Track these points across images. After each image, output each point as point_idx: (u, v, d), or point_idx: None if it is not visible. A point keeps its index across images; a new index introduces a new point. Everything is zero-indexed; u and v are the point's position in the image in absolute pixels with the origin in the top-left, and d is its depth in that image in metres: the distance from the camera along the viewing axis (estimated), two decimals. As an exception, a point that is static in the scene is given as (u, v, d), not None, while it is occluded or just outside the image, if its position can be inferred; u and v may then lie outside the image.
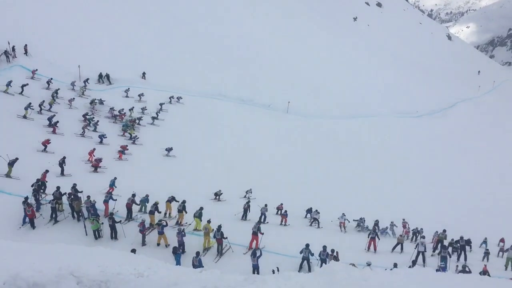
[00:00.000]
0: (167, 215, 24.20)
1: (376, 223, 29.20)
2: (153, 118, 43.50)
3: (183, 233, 19.57)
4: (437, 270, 18.57)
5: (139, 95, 47.58)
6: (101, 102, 42.36)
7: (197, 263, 16.66)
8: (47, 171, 24.69)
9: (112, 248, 15.67)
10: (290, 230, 26.95)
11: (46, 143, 30.34)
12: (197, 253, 17.25)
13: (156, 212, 22.38)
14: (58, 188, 21.95)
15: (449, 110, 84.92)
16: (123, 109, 42.39)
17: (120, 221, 19.99)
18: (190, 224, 22.97)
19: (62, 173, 27.86)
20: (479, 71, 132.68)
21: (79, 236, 19.51)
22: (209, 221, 20.43)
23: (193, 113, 49.14)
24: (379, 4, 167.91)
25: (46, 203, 22.01)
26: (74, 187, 22.44)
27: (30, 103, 34.67)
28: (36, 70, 42.17)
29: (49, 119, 34.54)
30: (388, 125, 67.19)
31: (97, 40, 53.90)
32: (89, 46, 51.69)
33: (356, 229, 29.63)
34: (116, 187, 26.37)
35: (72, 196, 21.40)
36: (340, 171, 45.68)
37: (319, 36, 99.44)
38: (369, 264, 17.75)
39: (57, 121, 34.57)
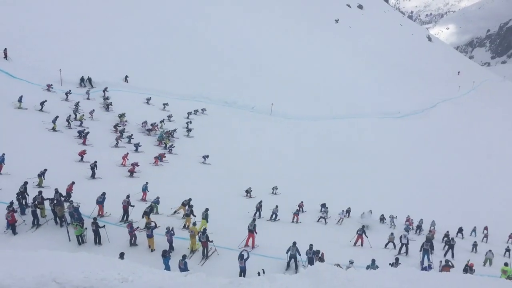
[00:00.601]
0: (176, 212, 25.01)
1: (363, 215, 33.12)
2: (188, 130, 46.59)
3: (172, 232, 19.41)
4: (423, 269, 18.84)
5: (163, 104, 50.22)
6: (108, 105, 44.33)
7: (183, 266, 16.55)
8: (73, 182, 24.56)
9: (96, 253, 15.43)
10: (293, 228, 28.18)
11: (82, 153, 31.74)
12: (183, 256, 17.12)
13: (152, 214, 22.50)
14: (40, 192, 21.58)
15: (431, 110, 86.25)
16: (155, 122, 44.44)
17: (104, 225, 19.71)
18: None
19: (93, 176, 29.20)
20: (459, 72, 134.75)
21: (62, 241, 19.17)
22: (194, 224, 20.35)
23: (214, 121, 51.78)
24: (360, 6, 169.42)
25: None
26: (57, 192, 22.07)
27: (57, 116, 35.80)
28: (51, 85, 43.17)
29: (80, 132, 35.95)
30: (371, 125, 67.94)
31: (78, 43, 53.32)
32: (70, 50, 51.13)
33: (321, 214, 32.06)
34: (148, 191, 27.55)
35: (55, 201, 21.04)
36: (325, 170, 46.34)
37: (301, 38, 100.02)
38: (351, 262, 17.91)
39: (88, 132, 36.03)
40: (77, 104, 41.00)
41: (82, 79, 46.96)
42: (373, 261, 18.49)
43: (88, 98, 44.28)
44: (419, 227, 33.11)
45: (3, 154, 26.64)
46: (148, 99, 49.80)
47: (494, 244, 32.55)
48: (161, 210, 25.24)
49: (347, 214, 33.59)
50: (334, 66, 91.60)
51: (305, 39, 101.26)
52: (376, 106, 77.25)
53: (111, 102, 45.07)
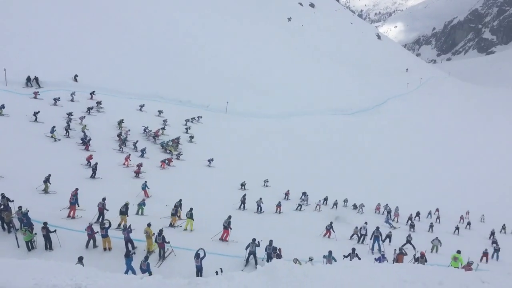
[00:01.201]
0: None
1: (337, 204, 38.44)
2: (191, 137, 48.03)
3: (129, 229, 19.00)
4: (376, 259, 19.40)
5: (158, 111, 51.16)
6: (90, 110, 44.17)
7: (145, 267, 16.32)
8: (77, 189, 23.85)
9: (48, 259, 14.91)
10: (274, 219, 30.57)
11: (89, 158, 32.53)
12: (146, 257, 16.85)
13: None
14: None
15: (381, 107, 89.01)
16: (158, 129, 45.86)
17: (55, 230, 19.02)
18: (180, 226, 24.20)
19: (93, 176, 30.20)
20: (407, 69, 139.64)
21: (11, 248, 18.38)
22: (149, 225, 19.94)
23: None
24: (312, 5, 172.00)
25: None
26: (3, 196, 21.10)
27: (54, 127, 35.83)
28: (38, 92, 43.17)
29: (82, 139, 36.79)
30: (325, 122, 69.35)
31: (24, 42, 50.97)
32: (15, 49, 48.92)
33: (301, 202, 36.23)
34: (149, 188, 28.94)
35: (2, 207, 20.13)
36: (280, 167, 47.30)
37: (255, 37, 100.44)
38: (311, 259, 18.21)
39: (90, 139, 36.89)
40: (69, 114, 40.72)
41: (28, 79, 45.02)
42: (330, 252, 18.91)
43: (35, 98, 42.61)
44: (389, 212, 37.86)
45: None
46: (142, 106, 50.56)
47: (446, 224, 38.45)
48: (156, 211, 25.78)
49: (325, 202, 38.52)
50: (288, 64, 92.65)
51: (259, 37, 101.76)
52: (329, 103, 78.91)
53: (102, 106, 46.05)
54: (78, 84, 49.02)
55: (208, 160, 41.79)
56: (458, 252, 20.27)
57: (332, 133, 65.47)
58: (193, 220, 23.46)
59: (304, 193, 37.78)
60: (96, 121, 42.29)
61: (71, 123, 39.03)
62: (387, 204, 39.63)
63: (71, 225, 20.92)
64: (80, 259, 16.00)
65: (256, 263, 18.70)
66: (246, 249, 19.17)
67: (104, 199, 22.93)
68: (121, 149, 38.15)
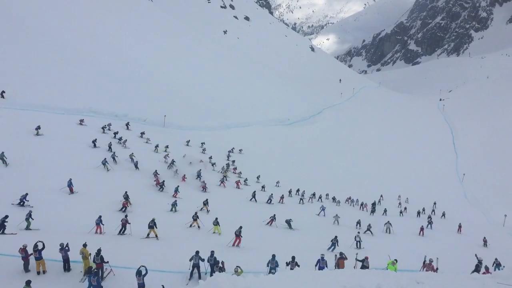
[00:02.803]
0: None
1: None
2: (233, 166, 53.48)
3: (66, 248, 18.18)
4: (316, 263, 19.88)
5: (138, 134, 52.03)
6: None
7: (95, 283, 15.99)
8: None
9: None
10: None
11: (158, 183, 37.14)
12: (95, 273, 16.53)
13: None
14: None
15: (317, 117, 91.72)
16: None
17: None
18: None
19: (161, 189, 36.37)
20: (340, 80, 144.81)
21: None
22: (85, 245, 19.20)
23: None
24: (247, 18, 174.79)
25: None
26: None
27: (105, 158, 37.44)
28: (83, 119, 47.09)
29: (135, 164, 39.89)
30: (262, 133, 70.53)
31: None
32: None
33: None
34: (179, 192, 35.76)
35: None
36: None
37: (192, 50, 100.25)
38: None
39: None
40: (120, 138, 46.11)
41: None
42: (273, 256, 19.25)
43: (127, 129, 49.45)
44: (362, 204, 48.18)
45: (70, 179, 30.19)
46: (143, 133, 51.82)
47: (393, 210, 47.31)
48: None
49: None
50: (224, 77, 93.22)
51: (195, 50, 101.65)
52: (267, 115, 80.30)
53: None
54: (6, 100, 46.45)
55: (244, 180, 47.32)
56: (396, 261, 20.58)
57: (271, 143, 66.69)
58: (219, 225, 27.92)
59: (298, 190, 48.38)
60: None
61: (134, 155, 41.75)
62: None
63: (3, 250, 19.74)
64: (28, 283, 15.19)
65: (199, 277, 18.66)
66: (190, 261, 19.07)
67: (126, 215, 26.04)
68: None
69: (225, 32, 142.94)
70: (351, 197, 51.09)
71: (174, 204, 31.71)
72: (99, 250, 18.35)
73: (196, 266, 19.02)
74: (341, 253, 21.13)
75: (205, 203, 33.56)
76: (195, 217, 28.72)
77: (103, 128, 47.78)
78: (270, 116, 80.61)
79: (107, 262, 18.42)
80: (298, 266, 18.64)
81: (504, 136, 79.88)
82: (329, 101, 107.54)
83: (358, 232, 30.14)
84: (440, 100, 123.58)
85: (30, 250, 18.01)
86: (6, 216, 22.44)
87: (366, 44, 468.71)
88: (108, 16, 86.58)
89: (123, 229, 24.67)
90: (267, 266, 19.39)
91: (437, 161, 75.09)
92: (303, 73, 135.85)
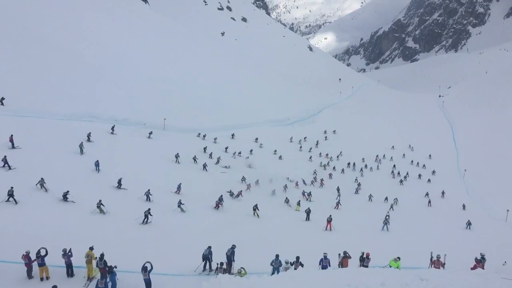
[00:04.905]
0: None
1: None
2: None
3: (69, 253, 18.06)
4: (320, 262, 19.97)
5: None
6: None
7: (103, 286, 16.03)
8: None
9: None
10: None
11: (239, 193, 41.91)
12: (102, 276, 16.59)
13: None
14: None
15: (316, 116, 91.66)
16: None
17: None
18: None
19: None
20: (339, 79, 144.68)
21: None
22: (91, 248, 19.04)
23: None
24: (244, 19, 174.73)
25: None
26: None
27: (178, 153, 47.78)
28: (114, 126, 50.81)
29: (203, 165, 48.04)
30: (263, 133, 70.37)
31: None
32: None
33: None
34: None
35: None
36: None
37: (190, 52, 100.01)
38: (287, 263, 18.69)
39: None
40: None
41: None
42: (277, 256, 19.40)
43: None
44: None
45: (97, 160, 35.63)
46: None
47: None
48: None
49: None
50: (223, 78, 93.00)
51: (195, 53, 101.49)
52: (267, 115, 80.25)
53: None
54: (4, 107, 46.26)
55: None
56: (399, 258, 20.32)
57: (271, 144, 66.55)
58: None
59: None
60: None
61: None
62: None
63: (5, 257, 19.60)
64: None
65: (210, 269, 20.40)
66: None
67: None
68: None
69: (222, 33, 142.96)
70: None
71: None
72: (102, 255, 18.06)
73: (206, 258, 20.41)
74: (345, 252, 21.20)
75: (255, 208, 36.36)
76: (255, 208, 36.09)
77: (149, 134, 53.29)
78: (270, 116, 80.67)
79: (116, 266, 17.92)
80: (302, 266, 18.67)
81: (504, 131, 79.87)
82: (328, 100, 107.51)
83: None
84: (440, 96, 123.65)
85: (33, 256, 18.02)
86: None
87: (364, 43, 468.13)
88: (106, 20, 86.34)
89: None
90: (271, 265, 19.52)
91: (438, 157, 75.13)
92: (301, 73, 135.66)
